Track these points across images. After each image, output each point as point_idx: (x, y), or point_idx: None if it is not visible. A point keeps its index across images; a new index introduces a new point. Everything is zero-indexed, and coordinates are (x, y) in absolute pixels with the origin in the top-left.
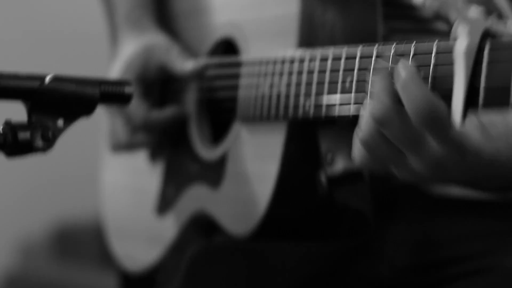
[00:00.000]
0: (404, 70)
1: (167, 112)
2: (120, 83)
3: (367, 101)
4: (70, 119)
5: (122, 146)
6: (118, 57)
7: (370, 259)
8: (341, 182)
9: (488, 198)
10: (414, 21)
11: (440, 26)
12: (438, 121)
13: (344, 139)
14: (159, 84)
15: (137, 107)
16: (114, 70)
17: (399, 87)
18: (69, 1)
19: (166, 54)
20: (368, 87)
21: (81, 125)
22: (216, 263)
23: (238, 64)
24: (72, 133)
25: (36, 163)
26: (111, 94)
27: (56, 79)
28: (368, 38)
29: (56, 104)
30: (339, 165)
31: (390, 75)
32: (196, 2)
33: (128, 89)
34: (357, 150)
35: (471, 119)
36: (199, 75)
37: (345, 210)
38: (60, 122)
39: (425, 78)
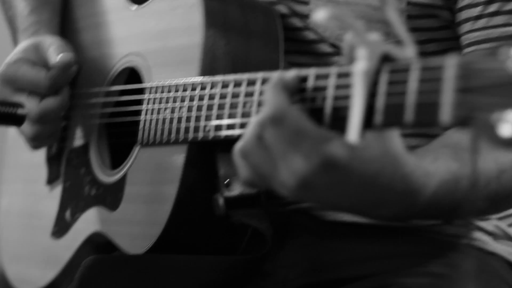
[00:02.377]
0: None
1: (61, 57)
2: (13, 104)
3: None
4: None
5: (35, 119)
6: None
7: (263, 280)
8: (237, 204)
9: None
10: (313, 55)
11: (339, 59)
12: (302, 137)
13: None
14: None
15: (37, 72)
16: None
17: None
18: None
19: (48, 48)
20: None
21: None
22: (110, 271)
23: (140, 90)
24: None
25: None
26: (4, 115)
27: None
28: (270, 70)
29: None
30: (236, 189)
31: (276, 85)
32: (100, 34)
33: (21, 111)
34: (236, 159)
35: (370, 135)
36: (69, 66)
37: (243, 229)
38: None
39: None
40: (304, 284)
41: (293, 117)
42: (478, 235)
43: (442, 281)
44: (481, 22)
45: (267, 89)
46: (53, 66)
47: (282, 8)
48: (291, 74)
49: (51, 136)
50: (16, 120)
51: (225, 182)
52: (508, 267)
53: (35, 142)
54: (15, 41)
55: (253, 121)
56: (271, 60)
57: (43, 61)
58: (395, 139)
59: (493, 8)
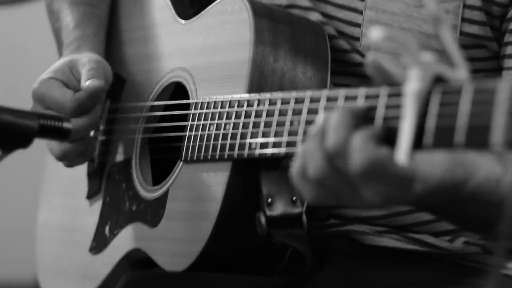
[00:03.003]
0: (359, 131)
1: (89, 83)
2: (59, 118)
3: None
4: (6, 150)
5: (57, 158)
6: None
7: None
8: (279, 224)
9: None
10: (360, 78)
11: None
12: (382, 173)
13: (285, 185)
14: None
15: (63, 94)
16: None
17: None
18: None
19: (82, 67)
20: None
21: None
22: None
23: (185, 106)
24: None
25: None
26: (50, 128)
27: None
28: (317, 88)
29: None
30: (278, 209)
31: (346, 112)
32: (146, 48)
33: (66, 125)
34: (307, 186)
35: (419, 155)
36: (98, 93)
37: (283, 249)
38: None
39: (373, 119)
40: None
41: (380, 158)
42: None
43: None
44: None
45: (336, 120)
46: (81, 89)
47: (330, 29)
48: (361, 105)
49: (81, 155)
50: (61, 134)
51: (268, 201)
52: None
53: (64, 160)
54: (60, 54)
55: (324, 151)
56: (318, 79)
57: (75, 80)
58: None
59: None
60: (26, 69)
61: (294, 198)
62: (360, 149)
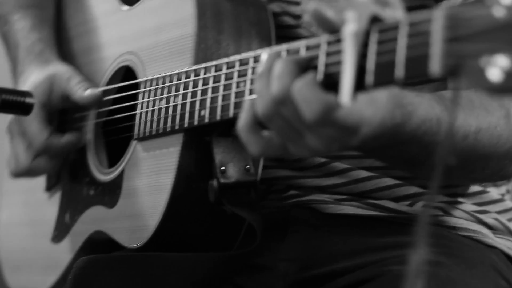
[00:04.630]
0: (301, 78)
1: (67, 138)
2: (22, 92)
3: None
4: None
5: (22, 171)
6: (21, 87)
7: (263, 274)
8: (232, 191)
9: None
10: None
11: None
12: (329, 117)
13: (238, 153)
14: (58, 112)
15: (39, 132)
16: None
17: (295, 90)
18: None
19: (67, 82)
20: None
21: None
22: (102, 271)
23: (134, 85)
24: None
25: None
26: (12, 102)
27: None
28: None
29: None
30: (232, 177)
31: (289, 60)
32: (91, 40)
33: (29, 100)
34: (250, 138)
35: (362, 96)
36: (97, 101)
37: (239, 223)
38: None
39: (315, 67)
40: (304, 278)
41: (327, 102)
42: (478, 227)
43: (439, 268)
44: None
45: (279, 70)
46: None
47: (275, 7)
48: (303, 55)
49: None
50: (24, 108)
51: (221, 169)
52: (507, 261)
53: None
54: (13, 56)
55: (270, 96)
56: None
57: (55, 98)
58: None
59: None
60: None
61: (247, 167)
62: (310, 96)
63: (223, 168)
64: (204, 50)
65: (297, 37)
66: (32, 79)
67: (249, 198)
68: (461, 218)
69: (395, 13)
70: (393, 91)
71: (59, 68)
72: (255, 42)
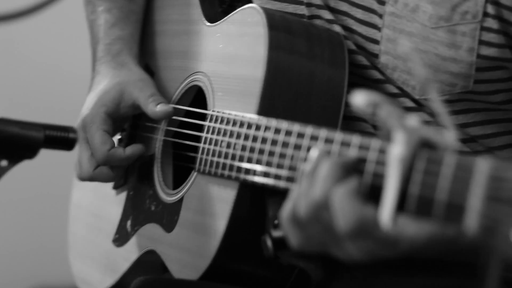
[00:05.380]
0: (342, 185)
1: (129, 151)
2: (65, 128)
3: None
4: (14, 160)
5: (85, 178)
6: (93, 89)
7: None
8: (286, 245)
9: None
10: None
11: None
12: (367, 233)
13: None
14: (129, 119)
15: (101, 144)
16: (87, 102)
17: (335, 196)
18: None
19: (139, 92)
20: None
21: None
22: None
23: (202, 116)
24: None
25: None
26: (56, 138)
27: (1, 121)
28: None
29: (0, 145)
30: None
31: (336, 164)
32: (176, 44)
33: (72, 135)
34: (291, 232)
35: (402, 219)
36: (167, 118)
37: (290, 267)
38: (4, 163)
39: (363, 172)
40: None
41: (366, 217)
42: None
43: None
44: None
45: (323, 171)
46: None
47: (350, 44)
48: (352, 156)
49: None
50: (67, 144)
51: (275, 223)
52: None
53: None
54: (94, 49)
55: (311, 199)
56: (334, 96)
57: (125, 106)
58: None
59: None
60: (31, 82)
61: None
62: (347, 207)
63: (277, 221)
64: (270, 98)
65: (370, 78)
66: (103, 84)
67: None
68: None
69: (448, 137)
70: None
71: (133, 76)
72: (327, 87)
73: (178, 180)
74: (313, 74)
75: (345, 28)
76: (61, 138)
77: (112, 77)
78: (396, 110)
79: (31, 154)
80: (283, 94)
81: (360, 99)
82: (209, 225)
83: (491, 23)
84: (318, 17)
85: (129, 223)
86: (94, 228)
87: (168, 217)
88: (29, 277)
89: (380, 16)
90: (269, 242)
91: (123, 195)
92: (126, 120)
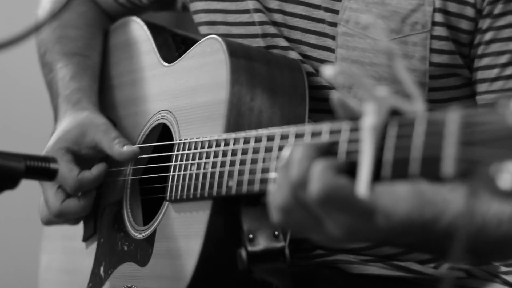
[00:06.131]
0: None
1: (96, 169)
2: (46, 158)
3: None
4: None
5: (53, 214)
6: (55, 130)
7: None
8: (261, 259)
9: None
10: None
11: None
12: (341, 202)
13: (266, 220)
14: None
15: (69, 171)
16: (48, 143)
17: (312, 172)
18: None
19: (103, 135)
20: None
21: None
22: None
23: (169, 146)
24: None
25: None
26: (36, 168)
27: None
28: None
29: None
30: (260, 245)
31: (310, 146)
32: (134, 91)
33: (53, 165)
34: (275, 213)
35: (379, 187)
36: (134, 158)
37: (263, 285)
38: None
39: (336, 154)
40: None
41: (338, 187)
42: None
43: None
44: (498, 84)
45: (300, 155)
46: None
47: (308, 67)
48: (325, 140)
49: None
50: (49, 174)
51: (250, 237)
52: None
53: (58, 217)
54: (55, 105)
55: (288, 182)
56: (296, 115)
57: (87, 147)
58: None
59: (510, 71)
60: (11, 110)
61: (276, 233)
62: (318, 177)
63: (251, 235)
64: (236, 117)
65: (330, 98)
66: (64, 125)
67: (278, 265)
68: (486, 280)
69: (416, 106)
70: (422, 187)
71: (95, 119)
72: (289, 105)
73: (149, 217)
74: (275, 94)
75: (301, 54)
76: (42, 169)
77: (73, 118)
78: (366, 81)
79: (12, 184)
80: (248, 114)
81: (331, 69)
82: (185, 248)
83: (440, 31)
84: (274, 46)
85: (102, 269)
86: (67, 284)
87: (142, 252)
88: None
89: (333, 38)
90: (244, 255)
91: (93, 246)
92: (87, 163)
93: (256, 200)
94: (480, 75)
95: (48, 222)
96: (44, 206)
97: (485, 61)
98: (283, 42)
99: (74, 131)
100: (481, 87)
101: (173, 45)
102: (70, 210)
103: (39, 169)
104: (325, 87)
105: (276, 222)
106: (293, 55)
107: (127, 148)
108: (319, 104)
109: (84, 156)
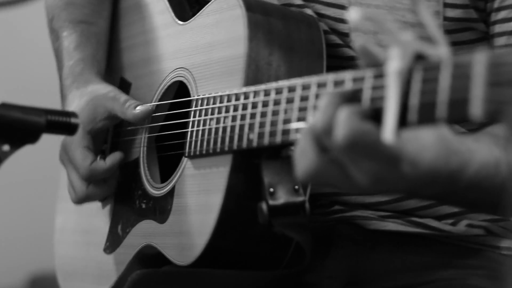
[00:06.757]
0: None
1: (110, 160)
2: (66, 113)
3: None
4: (15, 145)
5: (82, 199)
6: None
7: None
8: (281, 213)
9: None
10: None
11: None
12: (367, 148)
13: (286, 174)
14: (111, 129)
15: (82, 159)
16: None
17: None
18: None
19: (113, 102)
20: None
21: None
22: (155, 285)
23: (187, 103)
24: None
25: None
26: (57, 123)
27: (3, 106)
28: None
29: (1, 129)
30: (280, 198)
31: (334, 94)
32: (148, 51)
33: (74, 120)
34: (300, 163)
35: (405, 133)
36: (149, 117)
37: (287, 242)
38: (6, 147)
39: (361, 101)
40: None
41: (363, 133)
42: None
43: None
44: None
45: (324, 102)
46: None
47: (323, 25)
48: (349, 87)
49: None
50: (70, 129)
51: (270, 191)
52: None
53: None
54: (59, 76)
55: (313, 130)
56: (314, 70)
57: (101, 119)
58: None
59: None
60: (32, 67)
61: (296, 187)
62: (344, 122)
63: (272, 189)
64: (254, 72)
65: (344, 56)
66: (74, 106)
67: (298, 219)
68: (504, 237)
69: (440, 50)
70: (447, 136)
71: (100, 89)
72: (307, 61)
73: (166, 174)
74: (293, 49)
75: (316, 13)
76: (63, 123)
77: (80, 96)
78: (390, 25)
79: (33, 139)
80: (266, 69)
81: (356, 13)
82: (205, 202)
83: None
84: (290, 5)
85: (119, 227)
86: (83, 244)
87: (160, 209)
88: (28, 264)
89: None
90: (264, 209)
91: (110, 205)
92: (106, 132)
93: (276, 154)
94: (498, 28)
95: (79, 203)
96: (71, 189)
97: (503, 14)
98: (297, 1)
99: (86, 109)
100: (500, 41)
101: (187, 4)
102: (97, 194)
103: (60, 123)
104: (340, 45)
105: (301, 172)
106: (308, 13)
107: (140, 108)
108: (334, 61)
109: (101, 128)
